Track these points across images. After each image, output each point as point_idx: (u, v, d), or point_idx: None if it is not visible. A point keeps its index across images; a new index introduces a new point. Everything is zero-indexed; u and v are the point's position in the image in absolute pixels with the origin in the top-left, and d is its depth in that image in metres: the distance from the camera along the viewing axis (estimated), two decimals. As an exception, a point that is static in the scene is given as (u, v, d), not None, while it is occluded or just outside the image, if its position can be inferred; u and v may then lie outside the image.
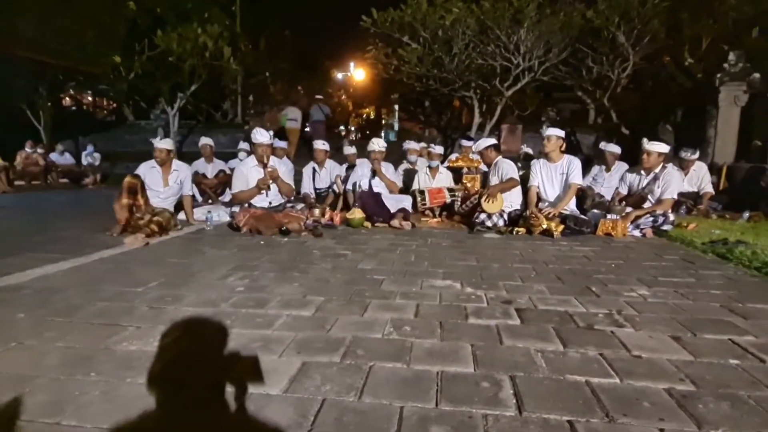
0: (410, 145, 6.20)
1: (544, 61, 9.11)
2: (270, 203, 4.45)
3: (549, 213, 4.08)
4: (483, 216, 4.32)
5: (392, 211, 4.64)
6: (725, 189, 6.55)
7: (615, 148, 5.46)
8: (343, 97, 24.68)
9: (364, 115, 25.75)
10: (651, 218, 4.09)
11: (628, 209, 4.24)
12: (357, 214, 4.52)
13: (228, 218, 4.57)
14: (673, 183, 4.22)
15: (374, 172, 5.09)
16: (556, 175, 4.36)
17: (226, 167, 6.48)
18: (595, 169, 5.66)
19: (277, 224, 4.01)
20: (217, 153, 6.74)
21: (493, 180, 4.62)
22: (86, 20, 12.03)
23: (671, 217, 4.12)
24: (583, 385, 1.34)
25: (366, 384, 1.34)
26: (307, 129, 12.74)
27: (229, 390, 1.31)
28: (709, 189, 5.57)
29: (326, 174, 6.07)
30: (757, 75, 7.17)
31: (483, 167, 5.23)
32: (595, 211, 4.42)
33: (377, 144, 5.10)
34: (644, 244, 3.76)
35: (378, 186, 5.03)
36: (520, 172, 4.74)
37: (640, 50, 9.00)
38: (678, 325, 1.84)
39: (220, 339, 1.69)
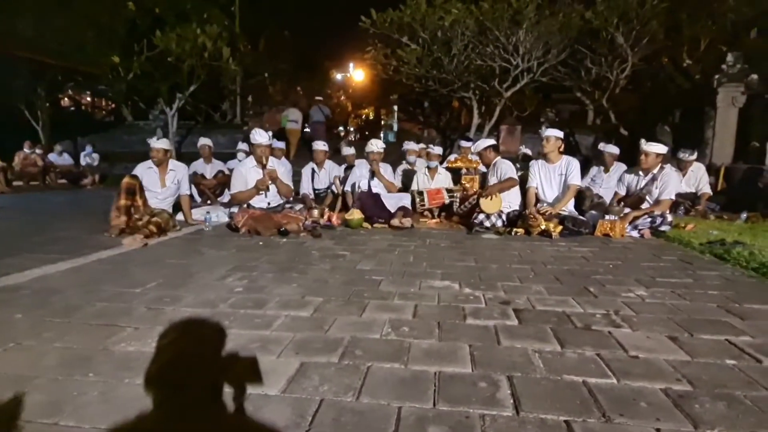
0: (409, 145, 6.21)
1: (542, 62, 9.13)
2: (269, 204, 4.45)
3: (547, 213, 4.09)
4: (481, 216, 4.32)
5: (392, 210, 4.65)
6: (723, 190, 6.57)
7: (614, 149, 5.48)
8: (342, 97, 24.70)
9: (364, 116, 25.76)
10: (649, 219, 4.10)
11: (627, 210, 4.25)
12: (356, 214, 4.52)
13: (227, 219, 4.58)
14: (671, 184, 4.23)
15: (373, 173, 5.10)
16: (554, 176, 4.37)
17: (224, 168, 6.48)
18: (594, 169, 5.67)
19: (275, 225, 4.02)
20: (215, 154, 6.73)
21: (492, 180, 4.62)
22: (85, 20, 12.01)
23: (669, 217, 4.13)
24: (580, 386, 1.35)
25: (364, 384, 1.35)
26: (307, 130, 12.75)
27: (228, 390, 1.31)
28: (706, 190, 5.58)
29: (325, 175, 6.08)
30: (755, 76, 7.20)
31: (482, 168, 5.24)
32: (594, 212, 4.44)
33: (375, 145, 5.11)
34: (642, 244, 3.77)
35: (377, 187, 5.04)
36: (519, 173, 4.76)
37: (638, 51, 9.03)
38: (675, 325, 1.85)
39: (219, 340, 1.69)
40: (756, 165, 6.51)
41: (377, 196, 4.83)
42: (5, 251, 3.16)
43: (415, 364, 1.49)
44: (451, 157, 6.50)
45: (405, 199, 4.83)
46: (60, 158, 10.90)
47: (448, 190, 5.12)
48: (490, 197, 4.33)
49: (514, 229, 4.16)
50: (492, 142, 4.88)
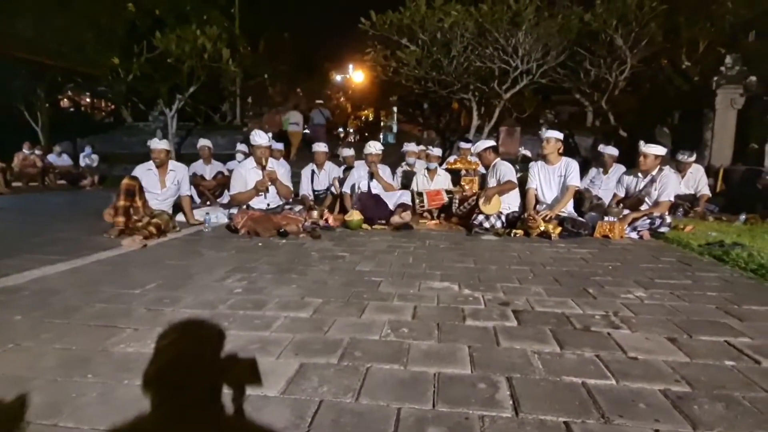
0: (409, 147, 6.22)
1: (542, 64, 9.14)
2: (268, 205, 4.45)
3: (546, 215, 4.10)
4: (481, 218, 4.33)
5: (392, 208, 4.67)
6: (722, 191, 6.57)
7: (613, 151, 5.49)
8: (342, 99, 24.73)
9: (363, 117, 25.78)
10: (648, 220, 4.11)
11: (626, 211, 4.26)
12: (355, 215, 4.53)
13: (226, 220, 4.57)
14: (670, 185, 4.24)
15: (372, 175, 5.11)
16: (554, 178, 4.37)
17: (224, 169, 6.48)
18: (593, 171, 5.68)
19: (275, 226, 4.02)
20: (215, 155, 6.73)
21: (491, 182, 4.63)
22: (85, 21, 12.02)
23: (668, 219, 4.14)
24: (579, 387, 1.35)
25: (363, 385, 1.35)
26: (306, 131, 12.78)
27: (227, 392, 1.31)
28: (705, 191, 5.59)
29: (325, 176, 6.08)
30: (753, 78, 7.21)
31: (481, 169, 5.25)
32: (593, 213, 4.44)
33: (374, 147, 5.12)
34: (641, 246, 3.77)
35: (376, 188, 5.05)
36: (518, 174, 4.76)
37: (637, 53, 9.05)
38: (674, 326, 1.85)
39: (218, 341, 1.69)
40: (755, 166, 6.53)
41: (377, 195, 4.85)
42: (4, 252, 3.16)
43: (414, 365, 1.49)
44: (451, 159, 6.51)
45: (405, 196, 4.86)
46: (59, 159, 10.90)
47: (448, 192, 5.13)
48: (488, 201, 4.34)
49: (514, 231, 4.16)
50: (492, 143, 4.89)
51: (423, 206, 5.08)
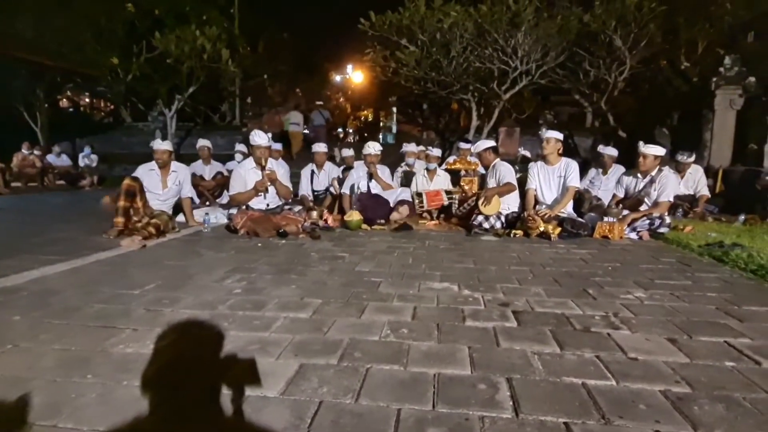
0: (408, 147, 6.22)
1: (541, 65, 9.15)
2: (268, 205, 4.45)
3: (546, 215, 4.10)
4: (480, 218, 4.33)
5: (392, 205, 4.70)
6: (721, 192, 6.58)
7: (613, 151, 5.50)
8: (341, 99, 24.73)
9: (362, 118, 25.78)
10: (647, 221, 4.11)
11: (625, 212, 4.26)
12: (354, 216, 4.52)
13: (225, 220, 4.57)
14: (669, 186, 4.24)
15: (371, 175, 5.11)
16: (553, 178, 4.37)
17: (223, 169, 6.47)
18: (592, 172, 5.69)
19: (274, 226, 4.01)
20: (214, 155, 6.73)
21: (491, 183, 4.63)
22: (84, 22, 12.03)
23: (667, 219, 4.14)
24: (579, 387, 1.35)
25: (363, 386, 1.35)
26: (306, 132, 12.80)
27: (226, 392, 1.31)
28: (705, 192, 5.59)
29: (325, 176, 6.09)
30: (752, 79, 7.22)
31: (480, 170, 5.25)
32: (592, 213, 4.44)
33: (373, 147, 5.12)
34: (641, 246, 3.77)
35: (375, 189, 5.06)
36: (518, 175, 4.76)
37: (636, 54, 9.06)
38: (674, 327, 1.85)
39: (217, 341, 1.68)
40: (754, 167, 6.53)
41: (377, 194, 4.87)
42: (3, 252, 3.16)
43: (414, 365, 1.49)
44: (450, 159, 6.51)
45: (404, 193, 4.89)
46: (58, 159, 10.89)
47: (447, 192, 5.13)
48: (487, 202, 4.34)
49: (513, 231, 4.16)
50: (492, 143, 4.89)
51: (422, 207, 5.08)
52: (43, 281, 2.49)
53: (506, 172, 4.53)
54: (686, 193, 5.54)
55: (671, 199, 4.36)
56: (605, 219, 4.09)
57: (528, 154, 7.50)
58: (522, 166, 5.87)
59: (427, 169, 5.56)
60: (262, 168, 4.36)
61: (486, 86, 9.70)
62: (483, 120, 10.41)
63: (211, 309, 2.04)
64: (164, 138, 9.10)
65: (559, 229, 4.01)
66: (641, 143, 4.42)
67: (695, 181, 5.62)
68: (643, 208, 4.30)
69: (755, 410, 1.23)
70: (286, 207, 4.55)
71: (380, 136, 18.91)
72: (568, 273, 2.79)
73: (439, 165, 5.87)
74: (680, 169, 5.51)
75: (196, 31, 11.17)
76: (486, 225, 4.32)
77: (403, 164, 6.20)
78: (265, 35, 18.41)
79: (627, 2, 8.37)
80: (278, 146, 6.62)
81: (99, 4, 12.01)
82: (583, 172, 5.08)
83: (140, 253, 3.32)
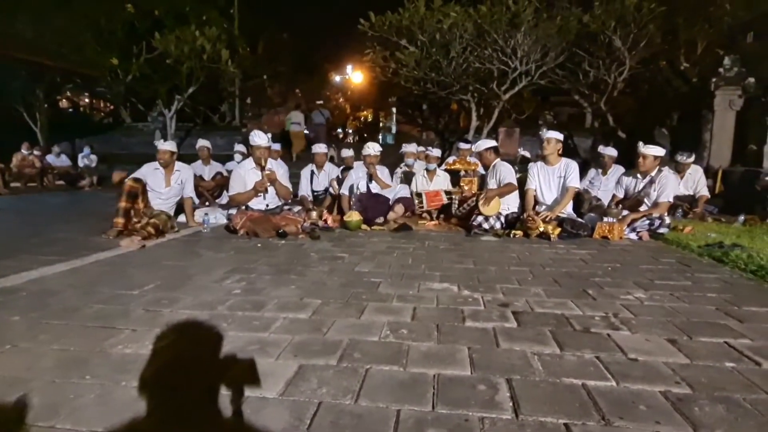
0: (408, 148, 6.21)
1: (541, 65, 9.15)
2: (267, 206, 4.45)
3: (546, 216, 4.09)
4: (480, 219, 4.33)
5: (392, 203, 4.73)
6: (720, 192, 6.58)
7: (613, 151, 5.50)
8: (341, 99, 24.73)
9: (362, 118, 25.78)
10: (647, 221, 4.11)
11: (625, 212, 4.26)
12: (354, 216, 4.52)
13: (225, 220, 4.57)
14: (669, 186, 4.24)
15: (370, 176, 5.11)
16: (553, 178, 4.37)
17: (223, 169, 6.46)
18: (592, 172, 5.69)
19: (274, 227, 4.01)
20: (214, 155, 6.71)
21: (491, 183, 4.63)
22: (84, 22, 12.03)
23: (667, 220, 4.14)
24: (579, 388, 1.34)
25: (362, 387, 1.34)
26: (306, 132, 12.80)
27: (225, 393, 1.31)
28: (704, 192, 5.60)
29: (324, 177, 6.08)
30: (752, 79, 7.23)
31: (480, 170, 5.24)
32: (592, 214, 4.44)
33: (372, 148, 5.12)
34: (640, 247, 3.77)
35: (374, 189, 5.05)
36: (518, 175, 4.76)
37: (636, 54, 9.06)
38: (674, 328, 1.85)
39: (217, 342, 1.68)
40: (753, 168, 6.54)
41: (377, 194, 4.88)
42: (2, 253, 3.15)
43: (413, 366, 1.48)
44: (450, 159, 6.50)
45: (404, 190, 4.90)
46: (58, 160, 10.88)
47: (447, 192, 5.13)
48: (487, 202, 4.34)
49: (513, 231, 4.16)
50: (493, 143, 4.87)
51: (422, 207, 5.07)
52: (42, 281, 2.49)
53: (507, 173, 4.52)
54: (686, 194, 5.54)
55: (671, 200, 4.36)
56: (605, 219, 4.09)
57: (528, 154, 7.50)
58: (521, 166, 5.87)
59: (427, 170, 5.56)
60: (262, 168, 4.35)
61: (485, 87, 9.70)
62: (482, 120, 10.41)
63: (211, 309, 2.03)
64: (164, 138, 9.12)
65: (558, 230, 4.00)
66: (641, 144, 4.42)
67: (695, 182, 5.63)
68: (642, 208, 4.30)
69: (755, 411, 1.23)
70: (286, 207, 4.55)
71: (380, 137, 18.93)
72: (567, 273, 2.79)
73: (439, 165, 5.87)
74: (680, 170, 5.52)
75: (196, 32, 11.17)
76: (486, 225, 4.31)
77: (402, 165, 6.19)
78: (265, 36, 18.42)
79: (626, 3, 8.37)
80: (277, 146, 6.62)
81: (99, 5, 12.01)
82: (582, 173, 5.08)
83: (139, 254, 3.31)
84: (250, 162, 4.46)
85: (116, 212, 3.94)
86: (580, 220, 4.22)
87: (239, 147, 7.13)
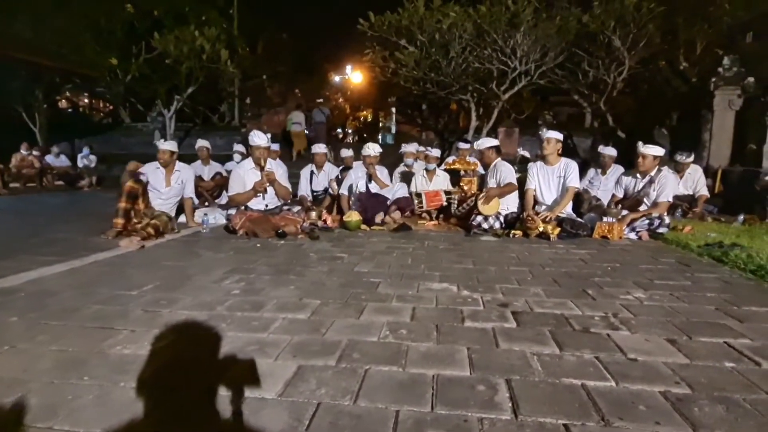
0: (407, 148, 6.21)
1: (540, 65, 9.15)
2: (266, 206, 4.44)
3: (545, 216, 4.09)
4: (479, 219, 4.32)
5: (390, 201, 4.75)
6: (720, 192, 6.58)
7: (612, 151, 5.50)
8: (341, 100, 24.70)
9: (362, 118, 25.76)
10: (647, 221, 4.11)
11: (624, 212, 4.25)
12: (354, 216, 4.52)
13: (224, 221, 4.56)
14: (668, 186, 4.24)
15: (370, 176, 5.11)
16: (553, 178, 4.37)
17: (222, 170, 6.46)
18: (591, 172, 5.69)
19: (273, 227, 4.01)
20: (213, 156, 6.71)
21: (491, 182, 4.62)
22: (83, 22, 12.01)
23: (667, 219, 4.14)
24: (578, 389, 1.34)
25: (361, 388, 1.34)
26: (307, 132, 12.80)
27: (224, 394, 1.30)
28: (704, 192, 5.60)
29: (324, 177, 6.08)
30: (751, 79, 7.22)
31: (480, 170, 5.24)
32: (592, 214, 4.43)
33: (372, 149, 5.11)
34: (640, 247, 3.77)
35: (374, 190, 5.05)
36: (517, 175, 4.75)
37: (635, 54, 9.06)
38: (674, 328, 1.85)
39: (215, 342, 1.68)
40: (753, 167, 6.53)
41: (376, 194, 4.88)
42: (1, 253, 3.15)
43: (413, 367, 1.48)
44: (449, 159, 6.50)
45: (402, 189, 4.90)
46: (57, 160, 10.87)
47: (446, 192, 5.12)
48: (488, 201, 4.33)
49: (512, 231, 4.16)
50: (496, 142, 4.85)
51: (422, 207, 5.07)
52: (40, 282, 2.48)
53: (507, 173, 4.52)
54: (685, 194, 5.54)
55: (670, 199, 4.36)
56: (604, 219, 4.09)
57: (527, 154, 7.49)
58: (521, 166, 5.86)
59: (426, 170, 5.55)
60: (261, 168, 4.35)
61: (485, 87, 9.70)
62: (482, 120, 10.41)
63: (210, 310, 2.03)
64: (164, 138, 9.10)
65: (558, 230, 4.00)
66: (640, 143, 4.42)
67: (694, 182, 5.63)
68: (642, 208, 4.30)
69: (755, 411, 1.23)
70: (285, 207, 4.54)
71: (379, 137, 18.93)
72: (567, 273, 2.79)
73: (438, 165, 5.87)
74: (679, 169, 5.52)
75: (195, 32, 11.16)
76: (485, 225, 4.31)
77: (402, 165, 6.19)
78: (264, 36, 18.40)
79: (626, 3, 8.37)
80: (276, 146, 6.61)
81: (98, 5, 11.99)
82: (582, 173, 5.08)
83: (138, 254, 3.31)
84: (249, 162, 4.45)
85: (116, 212, 3.93)
86: (579, 219, 4.22)
87: (238, 147, 7.12)
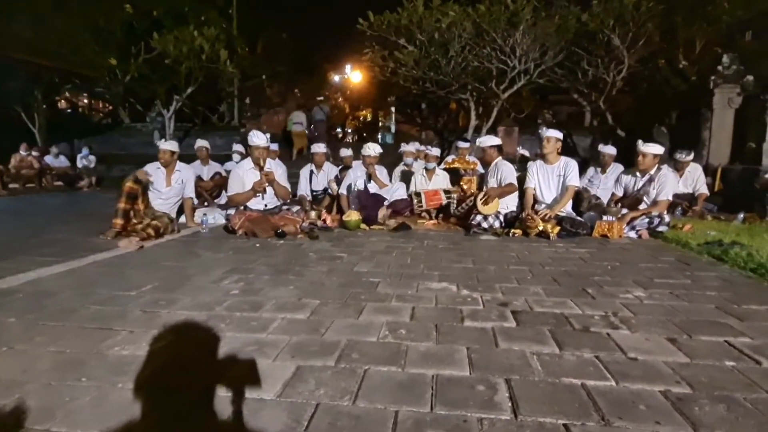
0: (407, 147, 6.20)
1: (539, 64, 9.14)
2: (266, 206, 4.43)
3: (545, 215, 4.09)
4: (479, 218, 4.32)
5: (389, 201, 4.77)
6: (720, 191, 6.57)
7: (612, 150, 5.50)
8: (340, 99, 24.68)
9: (361, 118, 25.74)
10: (646, 220, 4.10)
11: (624, 211, 4.25)
12: (353, 216, 4.51)
13: (223, 221, 4.56)
14: (668, 184, 4.24)
15: (369, 176, 5.10)
16: (552, 177, 4.36)
17: (222, 170, 6.45)
18: (591, 170, 5.69)
19: (272, 227, 4.00)
20: (213, 156, 6.70)
21: (491, 181, 4.61)
22: (83, 23, 12.00)
23: (666, 218, 4.13)
24: (578, 388, 1.34)
25: (361, 388, 1.33)
26: (308, 132, 12.80)
27: (223, 395, 1.30)
28: (703, 190, 5.59)
29: (324, 176, 6.07)
30: (750, 77, 7.22)
31: (479, 169, 5.23)
32: (591, 212, 4.43)
33: (372, 149, 5.11)
34: (640, 245, 3.76)
35: (373, 189, 5.05)
36: (517, 174, 4.75)
37: (634, 53, 9.05)
38: (674, 326, 1.84)
39: (214, 343, 1.67)
40: (752, 166, 6.53)
41: (376, 194, 4.88)
42: (0, 254, 3.14)
43: (412, 367, 1.47)
44: (449, 159, 6.49)
45: (401, 189, 4.90)
46: (56, 160, 10.86)
47: (446, 192, 5.12)
48: (488, 201, 4.33)
49: (512, 231, 4.15)
50: (498, 141, 4.81)
51: (421, 206, 5.07)
52: (39, 283, 2.48)
53: (508, 172, 4.51)
54: (685, 192, 5.54)
55: (670, 198, 4.35)
56: (604, 218, 4.08)
57: (527, 153, 7.49)
58: (521, 165, 5.86)
59: (426, 169, 5.55)
60: (261, 168, 4.34)
61: (484, 86, 9.69)
62: (482, 119, 10.40)
63: (208, 310, 2.02)
64: (163, 138, 9.10)
65: (558, 228, 4.00)
66: (640, 142, 4.42)
67: (694, 180, 5.63)
68: (642, 206, 4.30)
69: (756, 410, 1.22)
70: (285, 207, 4.53)
71: (379, 136, 18.92)
72: (567, 272, 2.78)
73: (438, 164, 5.86)
74: (679, 168, 5.52)
75: (195, 32, 11.15)
76: (485, 224, 4.31)
77: (401, 164, 6.19)
78: (264, 36, 18.38)
79: (625, 1, 8.37)
80: (275, 146, 6.61)
81: (97, 5, 11.97)
82: (581, 171, 5.08)
83: (137, 254, 3.30)
84: (248, 162, 4.45)
85: (115, 213, 3.93)
86: (579, 218, 4.21)
87: (238, 147, 7.12)
